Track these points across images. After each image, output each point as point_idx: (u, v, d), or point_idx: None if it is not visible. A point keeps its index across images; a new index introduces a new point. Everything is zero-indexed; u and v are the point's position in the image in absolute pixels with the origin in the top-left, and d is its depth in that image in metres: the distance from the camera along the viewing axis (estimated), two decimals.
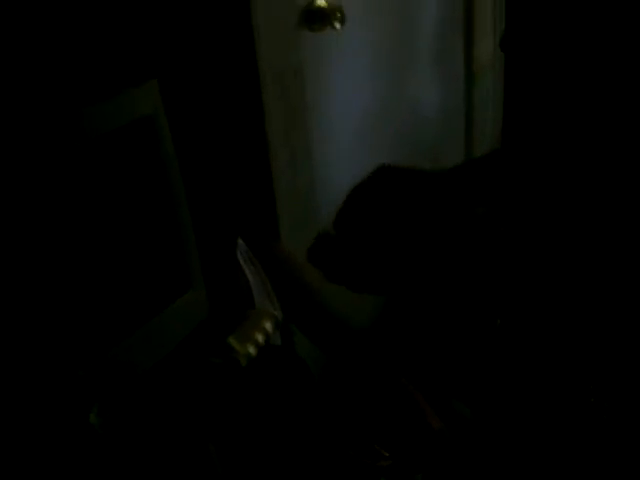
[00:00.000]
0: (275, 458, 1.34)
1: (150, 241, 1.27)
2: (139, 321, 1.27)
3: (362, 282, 1.25)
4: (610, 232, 1.42)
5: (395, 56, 2.31)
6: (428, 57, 2.49)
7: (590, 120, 1.34)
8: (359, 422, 1.46)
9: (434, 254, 1.32)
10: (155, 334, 1.31)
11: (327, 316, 1.62)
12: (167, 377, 1.29)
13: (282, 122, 1.74)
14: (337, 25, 1.87)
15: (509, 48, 1.80)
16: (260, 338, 1.36)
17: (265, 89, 1.63)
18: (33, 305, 1.10)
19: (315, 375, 1.52)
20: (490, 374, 1.61)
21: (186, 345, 1.34)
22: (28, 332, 1.11)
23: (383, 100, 2.27)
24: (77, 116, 1.06)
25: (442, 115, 2.63)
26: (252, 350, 1.34)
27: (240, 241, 1.54)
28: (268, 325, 1.39)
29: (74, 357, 1.17)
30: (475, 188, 1.50)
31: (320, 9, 1.86)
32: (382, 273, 1.25)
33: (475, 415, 1.55)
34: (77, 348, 1.17)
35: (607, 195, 1.39)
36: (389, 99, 2.30)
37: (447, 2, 2.52)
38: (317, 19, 1.87)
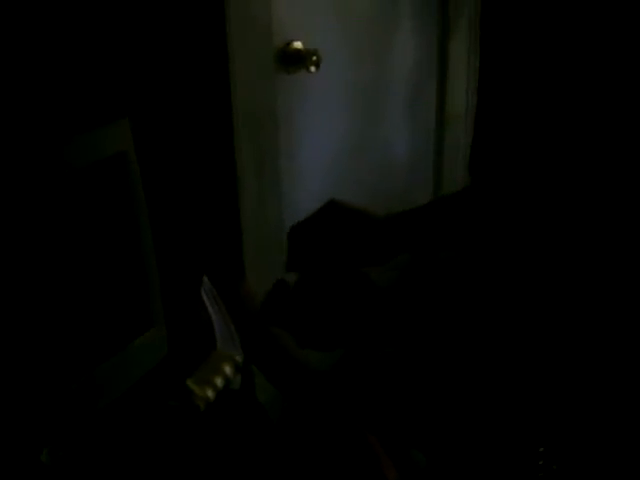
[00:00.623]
0: None
1: (113, 278, 1.26)
2: (98, 359, 1.25)
3: (309, 336, 1.21)
4: (579, 276, 1.42)
5: (368, 100, 2.32)
6: (401, 102, 2.51)
7: (558, 166, 1.35)
8: (315, 470, 1.44)
9: (391, 303, 1.30)
10: (113, 372, 1.29)
11: (288, 358, 1.61)
12: (123, 417, 1.27)
13: (253, 163, 1.74)
14: (312, 68, 1.88)
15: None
16: (219, 382, 1.35)
17: (237, 129, 1.63)
18: None
19: (273, 421, 1.50)
20: (447, 422, 1.61)
21: (144, 385, 1.32)
22: None
23: (354, 143, 2.28)
24: (47, 152, 1.05)
25: (412, 161, 2.65)
26: (210, 394, 1.32)
27: (205, 279, 1.53)
28: (228, 369, 1.38)
29: (30, 393, 1.15)
30: (438, 231, 1.48)
31: (296, 51, 1.87)
32: (330, 328, 1.21)
33: (430, 464, 1.54)
34: (34, 384, 1.15)
35: (574, 239, 1.40)
36: (360, 143, 2.31)
37: (422, 49, 2.55)
38: (293, 61, 1.88)
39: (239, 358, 1.45)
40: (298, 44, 1.87)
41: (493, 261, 1.49)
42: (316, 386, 1.58)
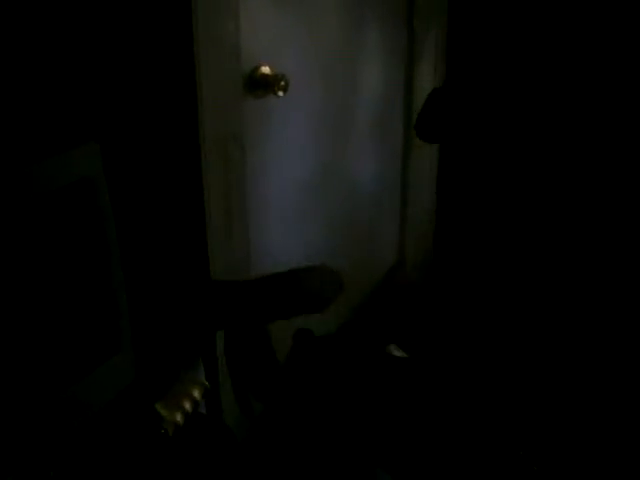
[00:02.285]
0: None
1: (81, 302, 1.25)
2: (64, 383, 1.24)
3: None
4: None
5: (336, 125, 2.34)
6: (368, 128, 2.53)
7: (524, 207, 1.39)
8: None
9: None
10: (80, 396, 1.28)
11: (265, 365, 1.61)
12: (91, 442, 1.26)
13: (220, 187, 1.74)
14: (280, 93, 1.89)
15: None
16: (188, 406, 1.34)
17: (205, 154, 1.64)
18: None
19: (241, 443, 1.50)
20: (413, 440, 1.61)
21: (112, 409, 1.31)
22: None
23: (321, 168, 2.29)
24: (13, 175, 1.05)
25: (379, 185, 2.67)
26: (179, 418, 1.31)
27: None
28: (196, 393, 1.37)
29: None
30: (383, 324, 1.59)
31: (264, 76, 1.88)
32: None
33: None
34: None
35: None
36: (327, 167, 2.32)
37: (389, 75, 2.58)
38: (260, 86, 1.88)
39: (207, 382, 1.44)
40: (266, 69, 1.88)
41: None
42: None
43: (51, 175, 1.08)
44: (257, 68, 1.87)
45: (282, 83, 1.89)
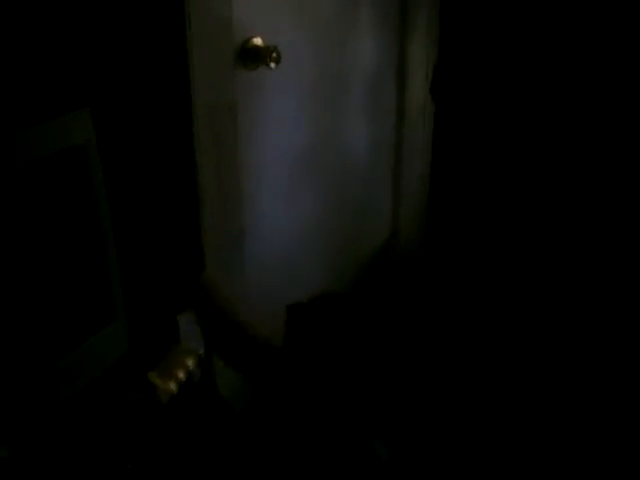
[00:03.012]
0: None
1: (73, 271, 1.25)
2: (58, 352, 1.25)
3: None
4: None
5: (328, 97, 2.33)
6: (361, 99, 2.52)
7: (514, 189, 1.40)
8: (279, 458, 1.45)
9: None
10: (74, 366, 1.28)
11: (247, 338, 1.62)
12: (85, 411, 1.26)
13: (213, 158, 1.73)
14: (272, 65, 1.88)
15: (437, 95, 1.86)
16: (181, 375, 1.35)
17: (197, 124, 1.63)
18: None
19: (236, 411, 1.50)
20: (407, 413, 1.62)
21: (106, 378, 1.31)
22: None
23: (314, 139, 2.29)
24: (3, 140, 1.04)
25: (372, 156, 2.67)
26: (173, 386, 1.32)
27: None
28: (190, 362, 1.38)
29: None
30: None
31: (256, 48, 1.87)
32: None
33: (392, 456, 1.56)
34: None
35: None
36: (320, 138, 2.32)
37: (382, 46, 2.57)
38: (252, 58, 1.88)
39: (201, 351, 1.45)
40: (258, 40, 1.87)
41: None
42: (277, 365, 1.59)
43: (41, 142, 1.08)
44: (249, 39, 1.86)
45: (274, 55, 1.88)
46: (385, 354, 1.70)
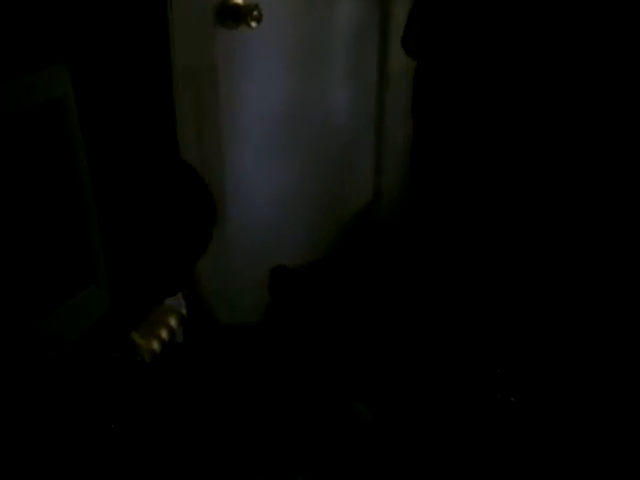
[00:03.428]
0: (176, 456, 1.31)
1: (52, 231, 1.23)
2: (39, 313, 1.24)
3: None
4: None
5: (309, 56, 2.31)
6: (343, 58, 2.50)
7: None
8: (262, 419, 1.45)
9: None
10: (56, 326, 1.27)
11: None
12: (68, 371, 1.25)
13: (193, 119, 1.72)
14: (253, 24, 1.85)
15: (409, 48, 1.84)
16: (164, 334, 1.34)
17: (177, 84, 1.61)
18: None
19: (219, 372, 1.50)
20: (392, 375, 1.63)
21: (88, 338, 1.30)
22: None
23: (296, 102, 2.27)
24: None
25: (353, 117, 2.65)
26: (156, 346, 1.31)
27: None
28: (173, 321, 1.37)
29: None
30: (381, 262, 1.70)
31: (236, 6, 1.84)
32: None
33: (376, 417, 1.56)
34: None
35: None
36: (303, 101, 2.30)
37: (364, 7, 2.54)
38: (233, 16, 1.84)
39: (184, 311, 1.44)
40: None
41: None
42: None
43: (17, 96, 1.06)
44: None
45: (255, 13, 1.85)
46: (367, 317, 1.70)
